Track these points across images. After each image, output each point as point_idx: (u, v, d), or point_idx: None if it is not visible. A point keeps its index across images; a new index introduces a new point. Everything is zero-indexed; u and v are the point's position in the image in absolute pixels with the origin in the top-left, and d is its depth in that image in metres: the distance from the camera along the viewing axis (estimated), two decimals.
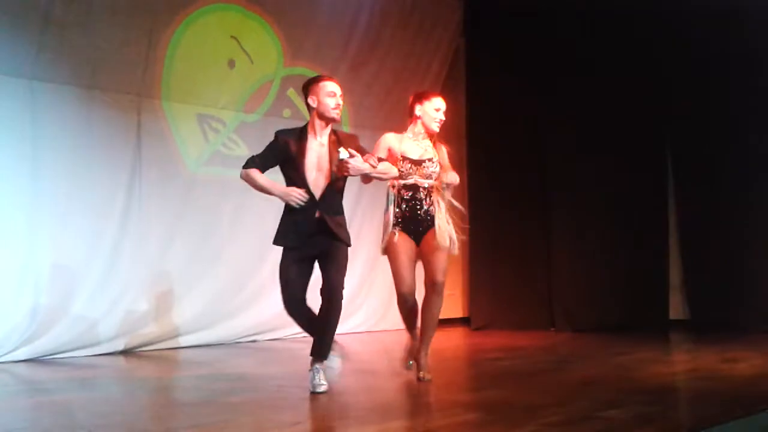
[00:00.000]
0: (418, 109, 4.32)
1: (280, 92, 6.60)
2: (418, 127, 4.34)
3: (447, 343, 6.30)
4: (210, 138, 6.26)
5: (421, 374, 4.14)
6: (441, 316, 7.71)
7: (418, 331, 4.32)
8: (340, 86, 4.10)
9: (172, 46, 5.92)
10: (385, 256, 4.27)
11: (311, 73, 6.80)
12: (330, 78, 4.12)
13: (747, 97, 6.19)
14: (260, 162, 4.01)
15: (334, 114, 3.99)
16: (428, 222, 4.19)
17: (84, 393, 4.20)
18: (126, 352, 5.64)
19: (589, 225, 6.82)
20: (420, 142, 4.30)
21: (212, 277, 6.21)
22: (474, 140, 7.62)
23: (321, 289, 3.90)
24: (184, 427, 3.13)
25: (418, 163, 4.24)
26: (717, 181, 6.45)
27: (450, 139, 8.13)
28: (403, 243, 4.17)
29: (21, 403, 3.93)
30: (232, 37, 6.20)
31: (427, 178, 4.23)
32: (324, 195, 3.94)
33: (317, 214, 3.90)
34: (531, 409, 3.30)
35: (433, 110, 4.29)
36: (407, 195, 4.21)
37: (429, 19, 7.44)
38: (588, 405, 3.38)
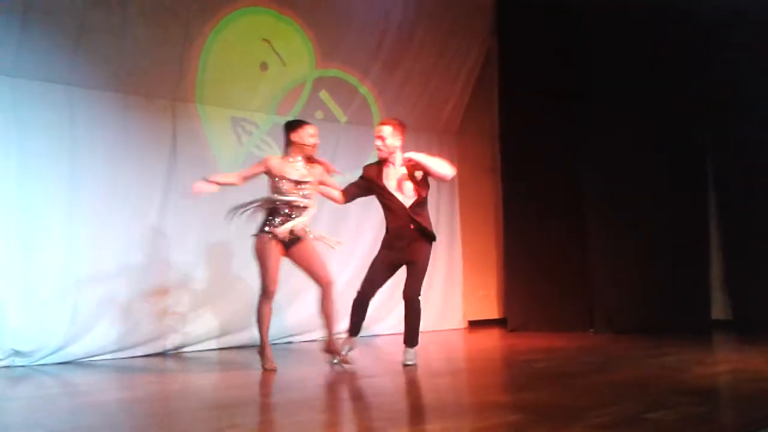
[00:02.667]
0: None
1: (312, 94, 6.61)
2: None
3: (483, 344, 6.25)
4: (243, 140, 6.29)
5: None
6: (477, 318, 7.76)
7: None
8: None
9: (205, 51, 5.96)
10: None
11: (344, 75, 6.84)
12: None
13: None
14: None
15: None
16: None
17: (124, 394, 4.23)
18: (164, 354, 5.69)
19: (627, 225, 6.69)
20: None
21: (248, 279, 6.21)
22: (507, 141, 7.55)
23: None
24: (226, 427, 3.13)
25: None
26: (759, 181, 6.31)
27: (483, 139, 8.17)
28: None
29: (62, 404, 3.97)
30: (264, 40, 6.23)
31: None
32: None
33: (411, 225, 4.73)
34: (574, 410, 3.23)
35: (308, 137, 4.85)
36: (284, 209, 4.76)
37: (461, 19, 7.39)
38: (634, 406, 3.30)
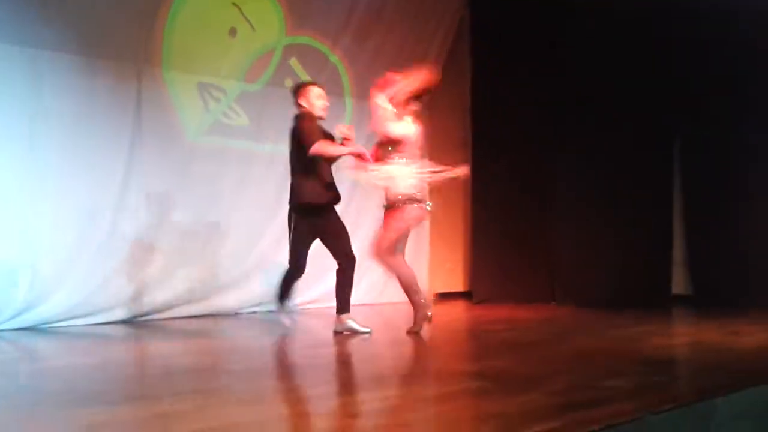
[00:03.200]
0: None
1: (282, 61, 6.51)
2: None
3: (448, 316, 6.30)
4: (211, 107, 6.19)
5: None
6: (443, 290, 7.83)
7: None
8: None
9: (172, 15, 5.83)
10: None
11: (314, 42, 6.74)
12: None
13: (749, 85, 6.12)
14: None
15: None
16: None
17: (83, 360, 4.18)
18: (125, 322, 5.63)
19: (591, 200, 6.77)
20: None
21: (212, 248, 6.18)
22: (478, 114, 7.54)
23: None
24: (185, 392, 3.11)
25: None
26: (723, 158, 6.39)
27: (454, 112, 8.14)
28: None
29: (19, 369, 3.92)
30: (233, 4, 6.11)
31: None
32: None
33: None
34: (532, 378, 3.28)
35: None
36: None
37: None
38: (590, 374, 3.35)
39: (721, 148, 6.39)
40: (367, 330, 4.74)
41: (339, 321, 4.77)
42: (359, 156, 4.76)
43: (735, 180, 6.27)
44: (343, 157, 4.93)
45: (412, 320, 4.69)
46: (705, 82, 6.40)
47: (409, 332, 4.64)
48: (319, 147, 4.65)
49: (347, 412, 2.79)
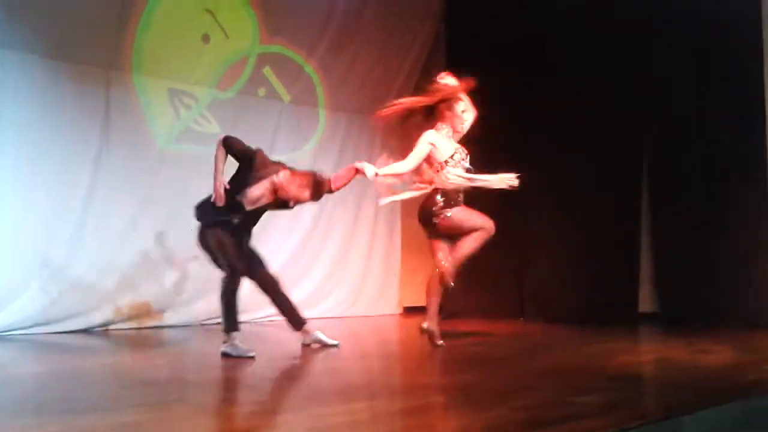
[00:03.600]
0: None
1: (256, 70, 6.46)
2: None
3: (416, 329, 6.23)
4: (181, 114, 6.11)
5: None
6: (411, 304, 7.78)
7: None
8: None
9: (144, 18, 5.76)
10: None
11: (288, 52, 6.70)
12: None
13: (721, 100, 6.18)
14: None
15: None
16: None
17: (42, 368, 4.06)
18: (88, 331, 5.49)
19: (562, 219, 6.78)
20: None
21: (180, 256, 6.07)
22: None
23: None
24: (139, 404, 3.02)
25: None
26: (691, 177, 6.43)
27: (429, 126, 8.12)
28: None
29: None
30: (207, 10, 6.05)
31: None
32: None
33: None
34: (500, 393, 3.24)
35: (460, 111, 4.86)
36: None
37: (409, 3, 7.34)
38: (558, 391, 3.32)
39: (690, 165, 6.44)
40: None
41: (305, 333, 4.69)
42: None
43: (703, 197, 6.32)
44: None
45: (377, 333, 4.60)
46: (674, 98, 6.47)
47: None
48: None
49: (309, 425, 2.71)
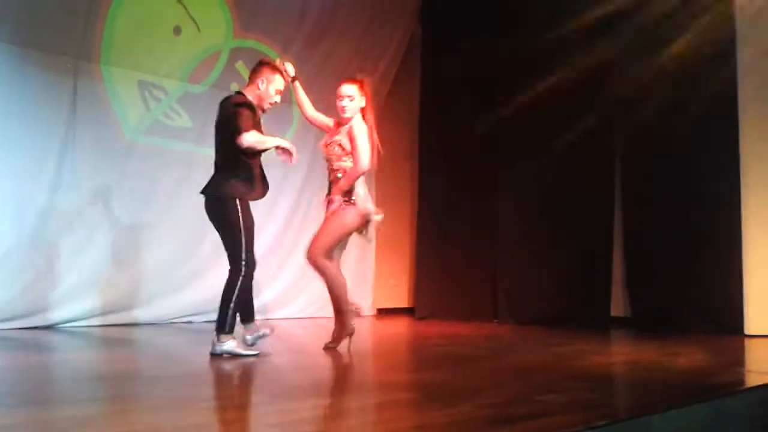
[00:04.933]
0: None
1: (229, 64, 6.34)
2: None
3: (390, 330, 6.19)
4: (151, 106, 5.98)
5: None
6: (386, 306, 7.71)
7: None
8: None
9: (114, 8, 5.63)
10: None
11: (262, 47, 6.60)
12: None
13: (693, 102, 6.19)
14: None
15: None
16: None
17: (4, 363, 3.91)
18: (50, 327, 5.34)
19: (534, 221, 6.77)
20: None
21: (147, 253, 5.95)
22: (425, 128, 7.51)
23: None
24: (101, 397, 2.91)
25: None
26: (662, 181, 6.43)
27: (403, 126, 8.08)
28: None
29: None
30: (179, 2, 5.93)
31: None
32: None
33: None
34: (467, 391, 3.17)
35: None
36: None
37: (385, 3, 7.28)
38: (525, 389, 3.26)
39: (661, 170, 6.44)
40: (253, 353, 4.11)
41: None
42: (285, 151, 4.22)
43: (674, 202, 6.33)
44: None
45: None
46: (646, 101, 6.47)
47: (326, 347, 4.34)
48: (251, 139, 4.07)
49: (267, 421, 2.62)
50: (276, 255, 6.81)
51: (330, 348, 4.34)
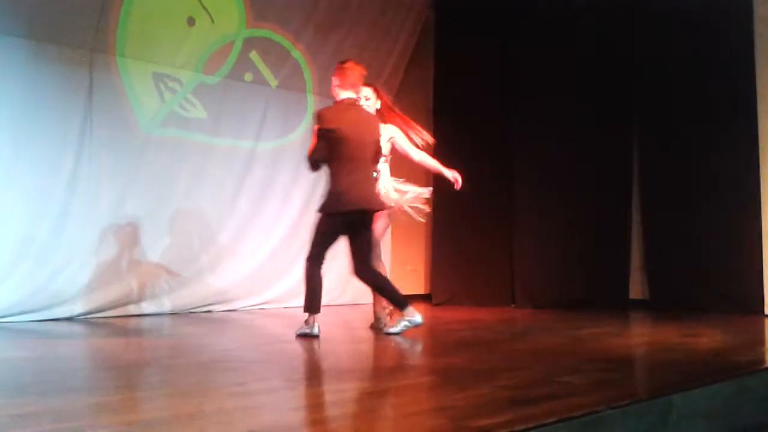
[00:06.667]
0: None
1: (242, 54, 6.35)
2: None
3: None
4: (166, 98, 6.00)
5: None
6: (404, 292, 7.72)
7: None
8: None
9: (128, 1, 5.65)
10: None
11: (276, 36, 6.61)
12: None
13: (712, 88, 6.14)
14: None
15: None
16: None
17: (21, 354, 3.97)
18: (73, 319, 5.40)
19: (552, 205, 6.75)
20: None
21: (166, 244, 5.99)
22: (441, 115, 7.47)
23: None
24: (115, 386, 2.95)
25: None
26: (680, 165, 6.41)
27: (418, 113, 8.04)
28: None
29: None
30: None
31: None
32: None
33: None
34: (486, 373, 3.18)
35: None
36: None
37: None
38: (544, 371, 3.27)
39: (679, 152, 6.41)
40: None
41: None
42: None
43: (693, 185, 6.29)
44: None
45: (368, 320, 4.55)
46: (665, 86, 6.43)
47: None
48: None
49: (292, 405, 2.65)
50: (293, 245, 6.86)
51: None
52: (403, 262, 7.84)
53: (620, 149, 6.83)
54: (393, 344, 4.23)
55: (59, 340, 4.63)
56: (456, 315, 6.05)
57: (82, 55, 5.51)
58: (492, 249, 7.02)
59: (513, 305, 6.77)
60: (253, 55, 6.43)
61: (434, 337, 4.56)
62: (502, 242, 6.99)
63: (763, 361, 3.81)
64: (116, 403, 2.61)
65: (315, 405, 2.60)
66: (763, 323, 5.28)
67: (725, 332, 4.65)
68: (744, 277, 5.91)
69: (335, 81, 4.56)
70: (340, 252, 7.27)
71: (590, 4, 6.38)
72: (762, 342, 4.51)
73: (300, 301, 6.82)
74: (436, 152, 7.57)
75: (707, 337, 4.40)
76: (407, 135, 4.87)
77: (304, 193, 6.90)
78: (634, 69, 6.61)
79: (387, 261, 7.68)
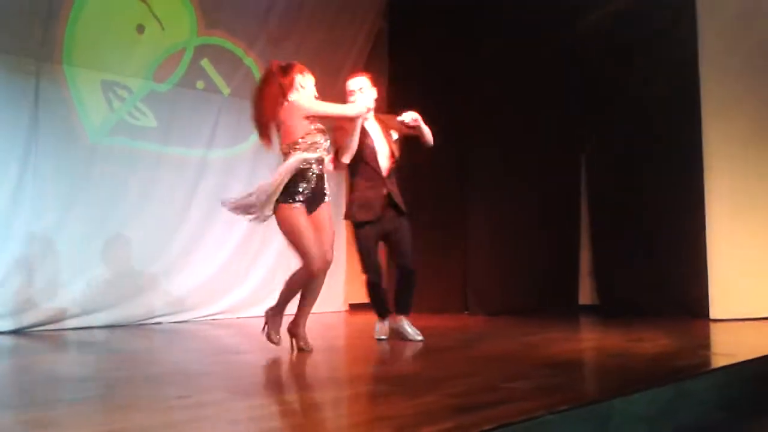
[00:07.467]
0: None
1: (193, 62, 6.30)
2: None
3: (361, 325, 6.19)
4: (115, 106, 5.91)
5: (302, 344, 4.14)
6: (358, 301, 7.72)
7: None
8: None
9: (76, 8, 5.56)
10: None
11: (227, 44, 6.57)
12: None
13: (657, 93, 6.28)
14: None
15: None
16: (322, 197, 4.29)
17: None
18: (16, 332, 5.27)
19: (504, 213, 6.82)
20: None
21: (114, 255, 5.89)
22: None
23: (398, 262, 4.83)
24: (58, 400, 2.88)
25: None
26: (628, 171, 6.54)
27: None
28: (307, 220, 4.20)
29: None
30: (141, 0, 5.88)
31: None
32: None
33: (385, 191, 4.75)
34: (435, 380, 3.20)
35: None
36: (317, 169, 4.24)
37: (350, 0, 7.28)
38: (492, 377, 3.30)
39: (625, 160, 6.54)
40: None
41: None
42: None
43: (639, 192, 6.43)
44: None
45: (323, 329, 4.50)
46: (612, 92, 6.56)
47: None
48: None
49: (233, 418, 2.63)
50: (248, 252, 6.81)
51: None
52: (357, 271, 7.83)
53: (569, 160, 6.96)
54: (343, 354, 4.23)
55: (1, 354, 4.51)
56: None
57: (28, 64, 5.40)
58: (445, 257, 7.06)
59: (466, 312, 6.82)
60: (205, 62, 6.39)
61: (385, 346, 4.56)
62: (455, 250, 7.05)
63: (705, 365, 3.90)
64: (51, 418, 2.55)
65: (257, 417, 2.58)
66: (708, 327, 5.41)
67: (670, 336, 4.75)
68: (690, 281, 6.04)
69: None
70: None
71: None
72: (705, 346, 4.62)
73: (252, 311, 6.82)
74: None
75: (652, 342, 4.49)
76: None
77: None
78: (584, 77, 6.75)
79: (341, 270, 7.69)
